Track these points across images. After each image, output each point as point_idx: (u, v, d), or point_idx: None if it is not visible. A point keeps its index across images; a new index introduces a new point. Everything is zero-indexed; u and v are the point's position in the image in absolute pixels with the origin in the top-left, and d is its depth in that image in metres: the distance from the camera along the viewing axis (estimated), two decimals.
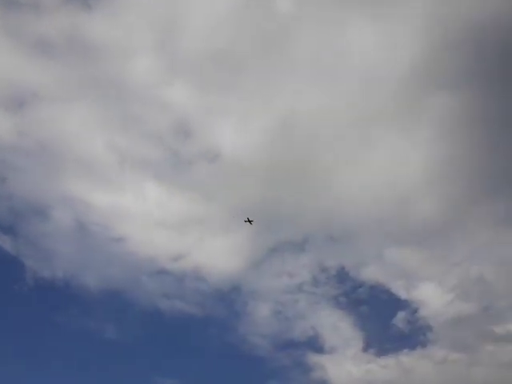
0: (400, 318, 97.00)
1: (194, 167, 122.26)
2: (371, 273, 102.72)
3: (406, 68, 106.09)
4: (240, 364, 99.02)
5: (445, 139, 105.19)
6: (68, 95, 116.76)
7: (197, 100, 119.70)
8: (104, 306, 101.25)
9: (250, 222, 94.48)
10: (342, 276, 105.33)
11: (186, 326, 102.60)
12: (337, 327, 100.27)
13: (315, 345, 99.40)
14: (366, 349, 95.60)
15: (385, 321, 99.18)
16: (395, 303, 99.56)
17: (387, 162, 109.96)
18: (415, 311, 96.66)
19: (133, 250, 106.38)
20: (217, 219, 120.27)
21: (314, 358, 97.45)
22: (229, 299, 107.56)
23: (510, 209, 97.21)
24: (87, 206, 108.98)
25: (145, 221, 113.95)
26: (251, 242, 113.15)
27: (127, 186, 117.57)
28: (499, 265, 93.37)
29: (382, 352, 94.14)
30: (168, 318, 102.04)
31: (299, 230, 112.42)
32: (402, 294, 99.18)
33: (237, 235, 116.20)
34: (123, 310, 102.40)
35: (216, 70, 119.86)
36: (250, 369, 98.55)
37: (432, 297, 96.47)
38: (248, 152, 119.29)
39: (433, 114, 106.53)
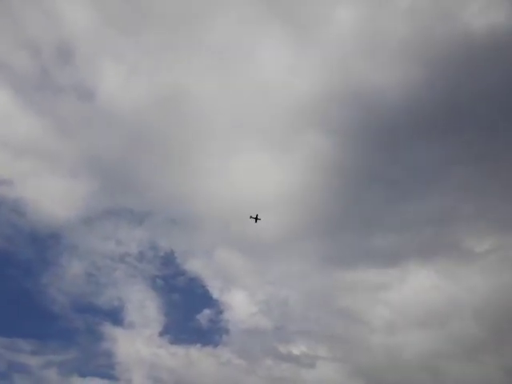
0: (204, 315, 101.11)
1: (61, 96, 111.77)
2: (196, 266, 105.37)
3: (300, 99, 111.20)
4: (28, 314, 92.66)
5: (308, 173, 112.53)
6: None
7: (92, 28, 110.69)
8: None
9: (256, 219, 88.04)
10: (168, 259, 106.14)
11: None
12: (143, 306, 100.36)
13: (116, 316, 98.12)
14: (162, 334, 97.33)
15: (190, 313, 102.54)
16: (206, 300, 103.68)
17: (251, 172, 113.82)
18: (220, 313, 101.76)
19: None
20: (66, 159, 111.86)
21: (109, 329, 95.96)
22: (43, 245, 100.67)
23: (332, 249, 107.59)
24: None
25: None
26: (92, 196, 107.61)
27: None
28: (303, 295, 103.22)
29: (175, 341, 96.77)
30: None
31: (145, 202, 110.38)
32: (215, 294, 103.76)
33: (80, 184, 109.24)
34: None
35: (125, 8, 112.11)
36: (38, 322, 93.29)
37: (240, 305, 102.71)
38: (126, 105, 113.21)
39: (306, 149, 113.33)
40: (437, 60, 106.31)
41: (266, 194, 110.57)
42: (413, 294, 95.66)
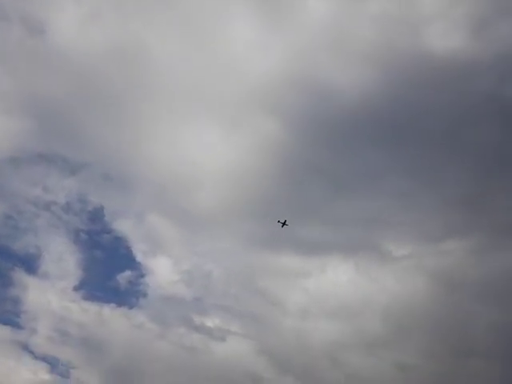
0: (125, 276, 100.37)
1: (7, 25, 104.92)
2: (124, 226, 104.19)
3: (260, 81, 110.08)
4: None
5: (254, 155, 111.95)
6: None
7: None
8: None
9: (283, 224, 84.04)
10: (96, 215, 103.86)
11: None
12: (62, 258, 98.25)
13: (30, 264, 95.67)
14: (77, 288, 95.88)
15: (110, 272, 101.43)
16: (129, 262, 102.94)
17: (198, 145, 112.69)
18: (141, 276, 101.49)
19: None
20: (7, 97, 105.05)
21: (21, 276, 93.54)
22: None
23: (262, 232, 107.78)
24: None
25: None
26: (25, 136, 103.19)
27: None
28: (226, 271, 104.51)
29: (90, 297, 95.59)
30: None
31: (82, 153, 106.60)
32: (139, 257, 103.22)
33: (13, 122, 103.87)
34: None
35: None
36: None
37: (163, 271, 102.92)
38: (79, 49, 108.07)
39: (256, 131, 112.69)
40: (396, 71, 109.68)
41: (208, 168, 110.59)
42: (330, 286, 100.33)
